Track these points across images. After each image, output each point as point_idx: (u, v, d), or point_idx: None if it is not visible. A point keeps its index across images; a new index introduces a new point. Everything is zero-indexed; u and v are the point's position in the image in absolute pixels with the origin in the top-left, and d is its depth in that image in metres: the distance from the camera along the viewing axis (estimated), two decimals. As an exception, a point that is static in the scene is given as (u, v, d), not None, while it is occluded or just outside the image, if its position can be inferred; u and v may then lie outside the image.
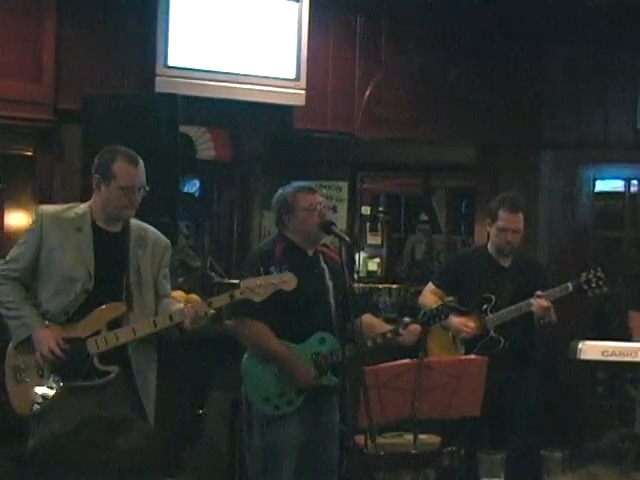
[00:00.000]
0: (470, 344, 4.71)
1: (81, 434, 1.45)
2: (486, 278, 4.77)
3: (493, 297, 4.70)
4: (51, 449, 1.44)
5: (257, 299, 3.63)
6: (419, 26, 5.94)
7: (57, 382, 3.55)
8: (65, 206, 3.73)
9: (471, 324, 4.70)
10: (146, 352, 3.69)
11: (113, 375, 3.57)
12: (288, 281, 3.68)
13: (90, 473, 1.39)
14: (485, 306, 4.71)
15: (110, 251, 3.65)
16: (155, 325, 3.58)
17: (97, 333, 3.55)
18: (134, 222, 3.74)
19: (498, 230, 4.75)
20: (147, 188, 3.67)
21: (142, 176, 3.66)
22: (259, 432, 3.97)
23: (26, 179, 5.83)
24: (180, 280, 5.78)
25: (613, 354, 4.42)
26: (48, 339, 3.51)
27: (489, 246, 4.86)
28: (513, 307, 4.66)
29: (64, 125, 5.04)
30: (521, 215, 4.74)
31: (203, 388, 5.17)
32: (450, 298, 4.51)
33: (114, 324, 3.59)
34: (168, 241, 3.86)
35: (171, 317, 3.59)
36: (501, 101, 6.15)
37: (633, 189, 6.40)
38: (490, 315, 4.69)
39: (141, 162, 3.68)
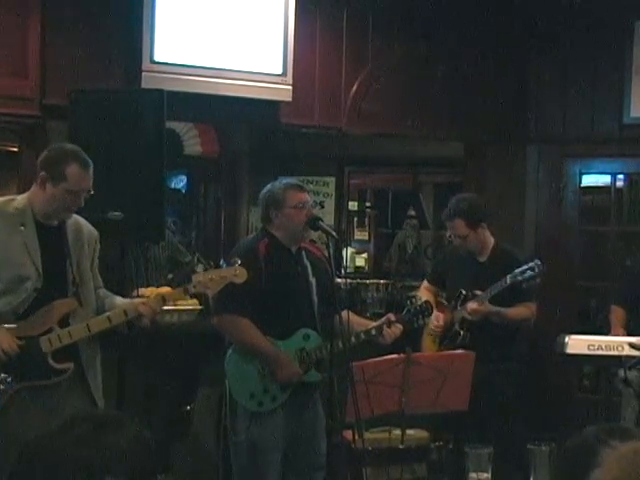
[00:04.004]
0: (441, 338, 4.84)
1: (69, 433, 1.44)
2: (463, 273, 4.89)
3: (463, 292, 4.78)
4: (37, 448, 1.43)
5: (210, 292, 3.67)
6: (406, 22, 5.94)
7: (9, 382, 3.45)
8: (2, 199, 3.63)
9: (440, 318, 4.81)
10: (93, 346, 3.66)
11: (69, 372, 3.52)
12: (239, 274, 3.69)
13: (77, 472, 1.38)
14: (457, 301, 4.80)
15: (53, 247, 3.58)
16: (110, 321, 3.54)
17: (49, 331, 3.49)
18: None
19: (450, 236, 4.97)
20: (91, 192, 3.58)
21: (91, 180, 3.57)
22: (243, 429, 3.97)
23: (12, 175, 5.81)
24: (170, 276, 5.76)
25: (599, 348, 4.43)
26: (4, 338, 3.40)
27: None
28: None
29: (50, 121, 5.01)
30: (457, 221, 4.81)
31: (191, 384, 5.16)
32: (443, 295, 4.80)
33: (63, 321, 3.53)
34: (97, 232, 3.79)
35: (125, 312, 3.56)
36: (487, 96, 6.16)
37: (619, 184, 6.42)
38: (459, 309, 4.77)
39: (91, 165, 3.59)
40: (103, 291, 3.77)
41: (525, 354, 5.16)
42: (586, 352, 4.46)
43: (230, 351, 4.03)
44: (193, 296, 4.15)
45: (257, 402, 3.95)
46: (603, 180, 6.49)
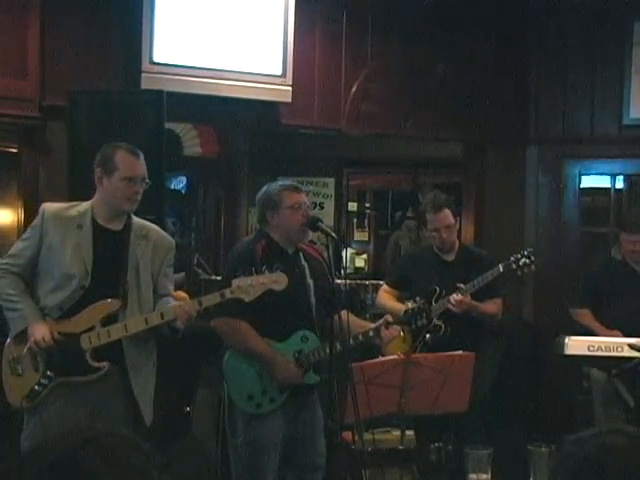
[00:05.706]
0: (417, 333, 4.84)
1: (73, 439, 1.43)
2: (432, 273, 4.92)
3: (437, 288, 4.81)
4: (41, 453, 1.42)
5: (247, 298, 3.63)
6: (405, 22, 5.94)
7: (50, 377, 3.58)
8: (68, 204, 3.77)
9: None
10: (143, 350, 3.70)
11: (103, 371, 3.58)
12: (279, 280, 3.68)
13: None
14: (430, 297, 4.82)
15: (109, 249, 3.67)
16: (146, 322, 3.59)
17: (91, 329, 3.57)
18: (137, 221, 3.76)
19: (431, 232, 4.93)
20: (148, 181, 3.70)
21: (144, 168, 3.70)
22: (242, 430, 3.96)
23: (11, 176, 5.81)
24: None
25: (599, 349, 4.43)
26: (42, 330, 3.53)
27: (433, 245, 5.02)
28: (444, 300, 4.77)
29: (49, 122, 5.02)
30: (447, 211, 4.84)
31: (190, 386, 5.16)
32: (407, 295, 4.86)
33: (109, 321, 3.60)
34: (172, 240, 3.89)
35: (162, 315, 3.60)
36: (487, 97, 6.16)
37: (619, 185, 6.42)
38: (434, 304, 4.79)
39: (142, 155, 3.71)
40: (166, 299, 3.78)
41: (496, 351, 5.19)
42: (586, 353, 4.46)
43: (228, 353, 4.02)
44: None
45: (255, 404, 3.94)
46: (603, 181, 6.49)
